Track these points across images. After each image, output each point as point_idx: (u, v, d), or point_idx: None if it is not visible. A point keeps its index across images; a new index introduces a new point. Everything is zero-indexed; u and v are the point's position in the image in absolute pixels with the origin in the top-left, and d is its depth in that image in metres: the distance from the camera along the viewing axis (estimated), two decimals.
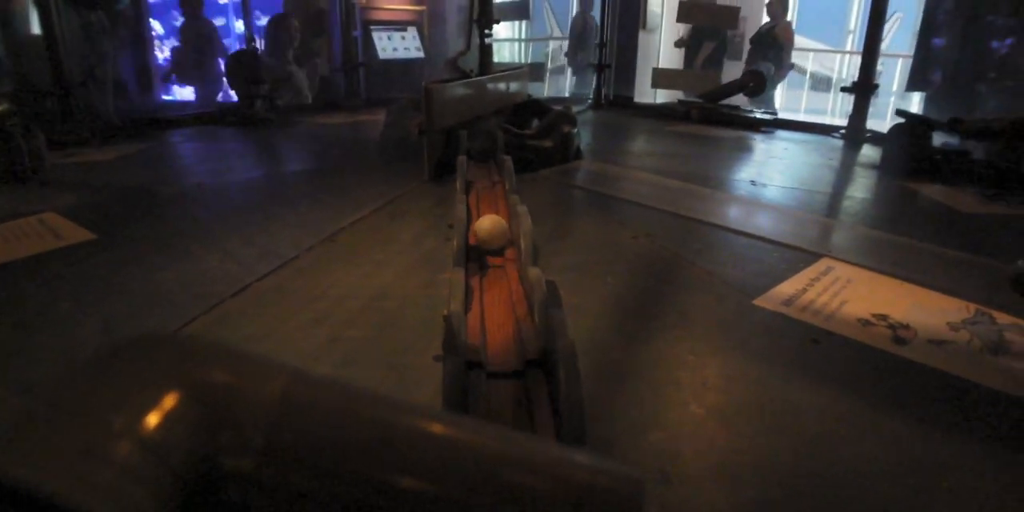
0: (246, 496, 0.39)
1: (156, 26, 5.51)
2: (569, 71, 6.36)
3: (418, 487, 0.41)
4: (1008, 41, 3.40)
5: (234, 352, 0.41)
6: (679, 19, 4.32)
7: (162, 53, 5.47)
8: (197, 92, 4.87)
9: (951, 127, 2.61)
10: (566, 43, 6.09)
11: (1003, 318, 1.38)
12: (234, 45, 5.80)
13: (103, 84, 3.65)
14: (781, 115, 3.94)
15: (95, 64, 3.58)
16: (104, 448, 0.31)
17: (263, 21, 5.22)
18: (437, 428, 0.43)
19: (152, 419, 0.34)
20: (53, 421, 0.32)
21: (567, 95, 5.53)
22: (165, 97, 5.10)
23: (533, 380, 0.85)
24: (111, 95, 3.77)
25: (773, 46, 4.65)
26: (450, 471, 0.41)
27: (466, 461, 0.42)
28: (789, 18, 5.09)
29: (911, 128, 2.71)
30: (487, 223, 1.32)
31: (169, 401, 0.36)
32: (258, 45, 4.10)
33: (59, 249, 1.71)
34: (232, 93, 4.34)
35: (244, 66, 3.98)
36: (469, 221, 1.44)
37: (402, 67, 5.51)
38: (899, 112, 2.88)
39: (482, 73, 2.62)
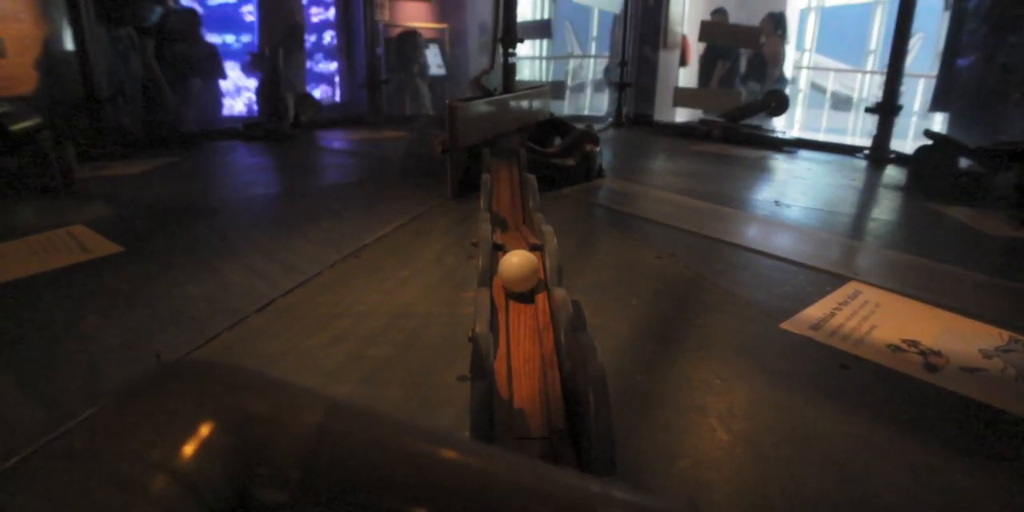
0: None
1: None
2: (589, 89, 6.39)
3: None
4: None
5: (269, 380, 0.41)
6: (701, 38, 4.32)
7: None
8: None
9: (978, 155, 2.58)
10: (589, 61, 6.12)
11: None
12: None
13: (132, 99, 3.72)
14: (801, 135, 3.92)
15: (123, 80, 3.64)
16: (140, 482, 0.31)
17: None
18: (471, 460, 0.43)
19: (187, 451, 0.34)
20: (88, 454, 0.32)
21: (586, 113, 5.55)
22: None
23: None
24: (142, 110, 3.83)
25: (761, 63, 4.66)
26: (484, 506, 0.41)
27: (502, 497, 0.41)
28: (782, 34, 5.06)
29: (938, 149, 2.68)
30: (515, 259, 1.14)
31: (204, 431, 0.35)
32: (280, 63, 4.16)
33: (87, 262, 1.73)
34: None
35: (270, 88, 4.05)
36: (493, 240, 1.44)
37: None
38: (927, 132, 2.86)
39: (505, 91, 2.63)
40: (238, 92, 5.62)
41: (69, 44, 3.34)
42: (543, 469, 0.46)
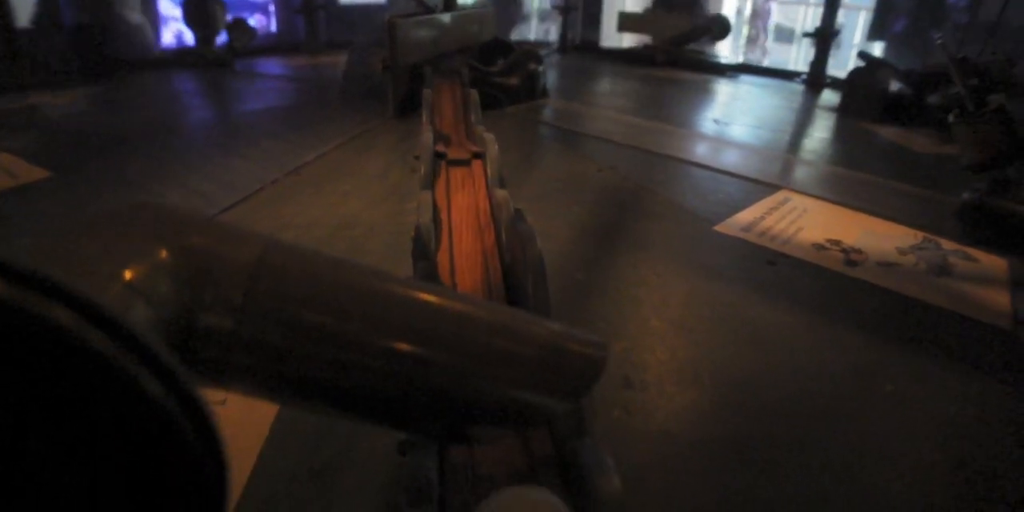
0: (225, 354, 0.40)
1: None
2: (535, 18, 6.24)
3: (393, 346, 0.43)
4: None
5: (212, 220, 0.42)
6: None
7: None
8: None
9: (908, 77, 2.66)
10: None
11: (948, 244, 1.45)
12: None
13: (59, 28, 3.49)
14: (742, 61, 3.94)
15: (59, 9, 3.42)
16: (93, 288, 0.32)
17: None
18: (416, 292, 0.45)
19: (138, 268, 0.35)
20: (53, 266, 0.33)
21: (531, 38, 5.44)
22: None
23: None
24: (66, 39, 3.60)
25: None
26: (424, 330, 0.44)
27: (439, 321, 0.44)
28: None
29: (871, 72, 2.74)
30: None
31: (152, 255, 0.37)
32: None
33: (15, 188, 1.67)
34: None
35: (198, 9, 3.83)
36: (435, 148, 1.43)
37: (362, 11, 5.35)
38: (861, 54, 2.92)
39: (447, 10, 2.57)
40: (164, 22, 5.31)
41: None
42: (483, 301, 0.49)
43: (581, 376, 0.47)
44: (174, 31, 5.42)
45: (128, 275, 0.35)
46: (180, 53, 3.83)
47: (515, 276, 0.89)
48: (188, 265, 0.39)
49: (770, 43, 5.90)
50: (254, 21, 5.59)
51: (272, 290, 0.41)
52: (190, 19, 3.95)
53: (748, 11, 5.88)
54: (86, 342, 0.20)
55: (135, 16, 3.95)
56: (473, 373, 0.45)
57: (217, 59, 3.72)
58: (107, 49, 3.70)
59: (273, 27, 5.58)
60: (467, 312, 0.46)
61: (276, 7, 5.53)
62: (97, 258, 0.35)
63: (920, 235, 1.49)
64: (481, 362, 0.45)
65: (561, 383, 0.47)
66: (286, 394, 0.44)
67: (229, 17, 4.10)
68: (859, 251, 1.39)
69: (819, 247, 1.39)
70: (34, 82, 3.07)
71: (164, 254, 0.38)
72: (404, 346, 0.44)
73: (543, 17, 5.78)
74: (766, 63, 4.46)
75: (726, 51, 4.38)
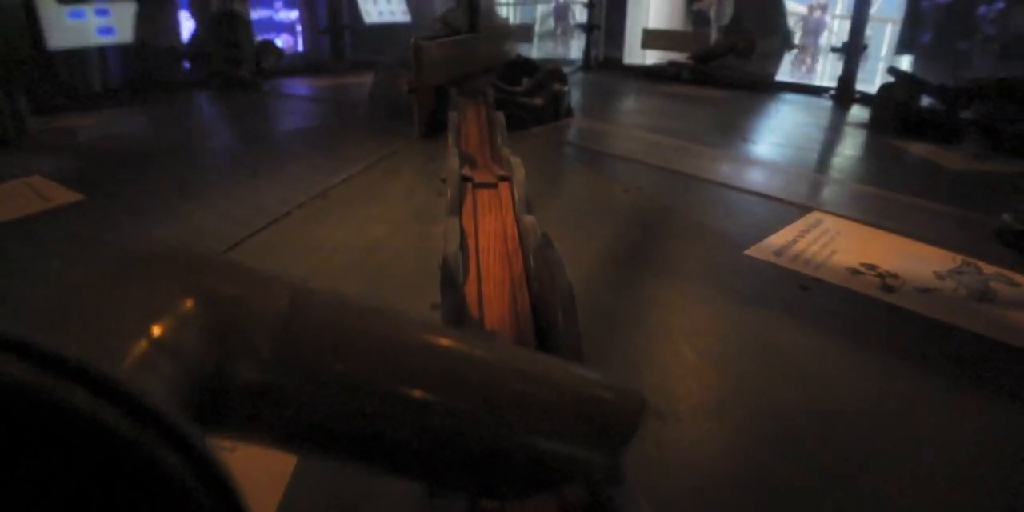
0: (253, 407, 0.39)
1: None
2: (559, 34, 6.28)
3: (424, 396, 0.41)
4: (997, 4, 3.39)
5: (241, 266, 0.41)
6: None
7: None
8: None
9: (939, 93, 2.61)
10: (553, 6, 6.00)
11: (988, 268, 1.41)
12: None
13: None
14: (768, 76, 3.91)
15: None
16: (116, 343, 0.32)
17: None
18: (445, 340, 0.44)
19: (165, 322, 0.34)
20: (57, 320, 0.32)
21: (556, 58, 5.46)
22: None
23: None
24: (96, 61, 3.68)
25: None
26: (456, 380, 0.42)
27: (472, 371, 0.43)
28: None
29: (901, 87, 2.70)
30: None
31: (180, 307, 0.36)
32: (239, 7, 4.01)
33: (47, 211, 1.69)
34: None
35: (224, 29, 3.89)
36: (462, 171, 1.43)
37: (387, 31, 5.40)
38: (891, 70, 2.88)
39: (471, 31, 2.58)
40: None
41: None
42: (515, 348, 0.47)
43: (619, 428, 0.46)
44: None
45: (154, 330, 0.34)
46: (209, 74, 3.89)
47: (544, 305, 0.88)
48: (215, 316, 0.38)
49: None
50: (281, 41, 5.69)
51: (302, 340, 0.40)
52: (214, 41, 4.01)
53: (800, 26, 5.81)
54: (102, 423, 0.20)
55: (164, 38, 4.03)
56: (504, 425, 0.43)
57: (245, 80, 3.78)
58: (138, 70, 3.77)
59: (300, 47, 5.67)
60: (498, 361, 0.45)
61: (303, 27, 5.62)
62: (120, 313, 0.34)
63: (959, 258, 1.45)
64: (513, 414, 0.44)
65: (597, 435, 0.45)
66: (312, 446, 0.43)
67: (258, 38, 4.16)
68: (895, 276, 1.35)
69: (854, 271, 1.36)
70: (68, 103, 3.14)
71: (190, 305, 0.37)
72: (435, 397, 0.42)
73: (562, 34, 5.80)
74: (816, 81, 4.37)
75: (778, 67, 4.27)
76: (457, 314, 0.76)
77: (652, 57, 4.63)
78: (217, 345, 0.37)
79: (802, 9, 5.94)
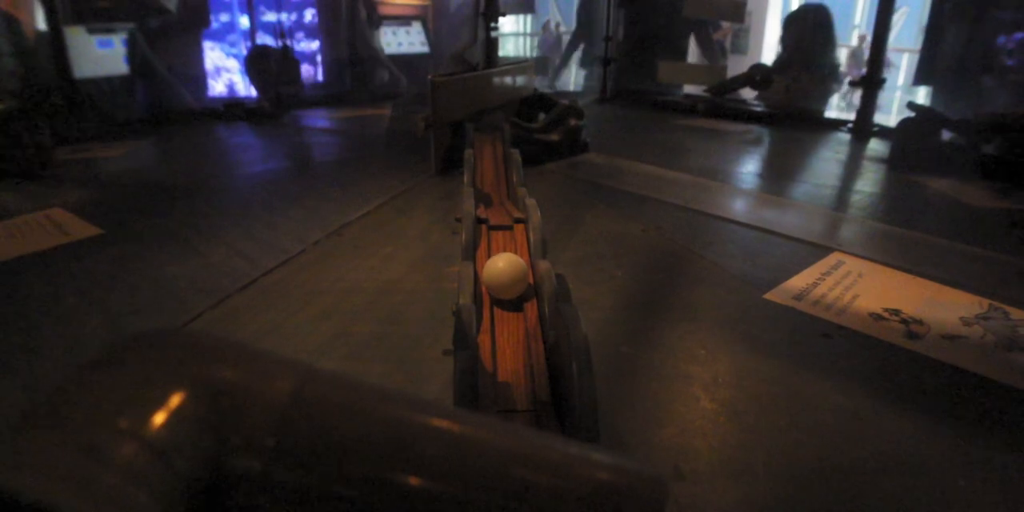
0: (255, 499, 0.38)
1: None
2: (575, 65, 6.33)
3: (432, 487, 0.39)
4: (1016, 36, 3.37)
5: (243, 349, 0.40)
6: (686, 12, 4.28)
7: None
8: None
9: (960, 127, 2.59)
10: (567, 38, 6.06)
11: (1017, 313, 1.37)
12: (238, 41, 5.78)
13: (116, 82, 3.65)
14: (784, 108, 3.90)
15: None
16: (107, 449, 0.30)
17: (268, 16, 5.19)
18: (451, 426, 0.42)
19: (157, 419, 0.33)
20: (53, 421, 0.31)
21: (571, 88, 5.50)
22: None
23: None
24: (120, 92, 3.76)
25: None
26: (465, 470, 0.40)
27: (481, 459, 0.41)
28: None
29: (921, 121, 2.68)
30: (501, 264, 1.02)
31: (175, 400, 0.34)
32: (289, 42, 4.09)
33: (65, 245, 1.71)
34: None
35: (272, 63, 3.98)
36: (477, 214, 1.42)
37: (407, 62, 5.48)
38: (910, 105, 2.86)
39: (488, 66, 2.60)
40: (218, 73, 5.52)
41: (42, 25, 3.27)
42: (526, 433, 0.45)
43: None
44: (226, 81, 5.64)
45: (146, 430, 0.33)
46: (227, 106, 3.95)
47: (559, 360, 0.86)
48: (215, 407, 0.37)
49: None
50: (302, 72, 5.76)
51: (308, 429, 0.39)
52: (254, 73, 4.09)
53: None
54: None
55: (186, 68, 4.11)
56: None
57: (264, 112, 3.83)
58: (162, 101, 3.84)
59: (320, 77, 5.77)
60: (512, 447, 0.42)
61: (323, 57, 5.72)
62: (112, 411, 0.33)
63: (986, 303, 1.41)
64: (521, 502, 0.41)
65: None
66: None
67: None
68: (920, 322, 1.32)
69: (877, 317, 1.33)
70: (92, 134, 3.19)
71: (187, 397, 0.36)
72: (446, 487, 0.40)
73: (581, 65, 5.85)
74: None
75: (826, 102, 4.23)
76: (469, 374, 0.74)
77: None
78: (214, 436, 0.36)
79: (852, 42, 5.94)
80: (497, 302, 1.05)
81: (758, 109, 3.80)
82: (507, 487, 0.40)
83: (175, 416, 0.34)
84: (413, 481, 0.39)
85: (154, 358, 0.37)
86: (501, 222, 1.33)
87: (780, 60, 4.08)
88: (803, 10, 4.22)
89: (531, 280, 1.08)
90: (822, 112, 3.78)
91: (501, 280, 1.02)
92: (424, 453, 0.40)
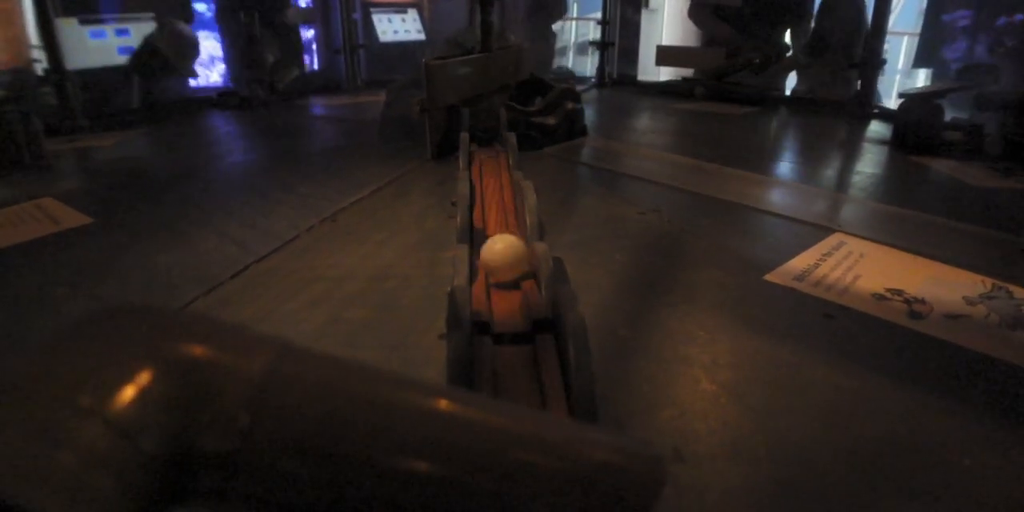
0: (226, 481, 0.36)
1: None
2: (571, 52, 6.29)
3: (418, 467, 0.37)
4: (1018, 16, 3.34)
5: (218, 324, 0.38)
6: None
7: None
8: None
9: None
10: (571, 23, 6.00)
11: (1021, 292, 1.35)
12: None
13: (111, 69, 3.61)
14: (784, 91, 3.87)
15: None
16: (66, 428, 0.28)
17: None
18: (439, 404, 0.40)
19: (122, 396, 0.31)
20: (8, 399, 0.29)
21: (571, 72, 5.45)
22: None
23: (542, 346, 0.82)
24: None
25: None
26: (453, 450, 0.38)
27: (470, 439, 0.39)
28: None
29: (922, 102, 2.65)
30: (500, 246, 0.99)
31: (142, 377, 0.32)
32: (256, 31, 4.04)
33: (56, 234, 1.69)
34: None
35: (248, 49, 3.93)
36: (472, 198, 1.41)
37: (402, 50, 5.43)
38: (901, 95, 2.83)
39: (484, 50, 2.56)
40: (212, 62, 5.48)
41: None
42: (516, 410, 0.43)
43: (635, 499, 0.41)
44: (221, 71, 5.59)
45: (110, 408, 0.31)
46: (221, 94, 3.92)
47: (557, 341, 0.84)
48: (184, 384, 0.35)
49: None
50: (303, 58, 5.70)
51: (284, 407, 0.37)
52: (236, 61, 4.05)
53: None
54: None
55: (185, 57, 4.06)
56: (506, 497, 0.39)
57: (258, 100, 3.80)
58: (154, 90, 3.80)
59: (316, 65, 5.71)
60: (505, 427, 0.40)
61: (317, 45, 5.66)
62: (74, 387, 0.31)
63: (989, 282, 1.39)
64: (517, 487, 0.39)
65: (610, 507, 0.41)
66: None
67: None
68: (923, 301, 1.30)
69: (879, 297, 1.31)
70: (84, 124, 3.15)
71: (155, 373, 0.34)
72: (429, 468, 0.38)
73: (579, 51, 5.80)
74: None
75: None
76: (462, 355, 0.72)
77: (666, 73, 4.61)
78: (184, 415, 0.34)
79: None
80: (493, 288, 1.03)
81: (757, 91, 3.77)
82: (499, 468, 0.38)
83: (141, 394, 0.32)
84: (398, 462, 0.37)
85: (121, 333, 0.35)
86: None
87: (815, 45, 4.00)
88: None
89: (531, 263, 1.02)
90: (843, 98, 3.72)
91: (499, 262, 0.99)
92: (410, 433, 0.38)
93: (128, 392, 0.32)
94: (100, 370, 0.32)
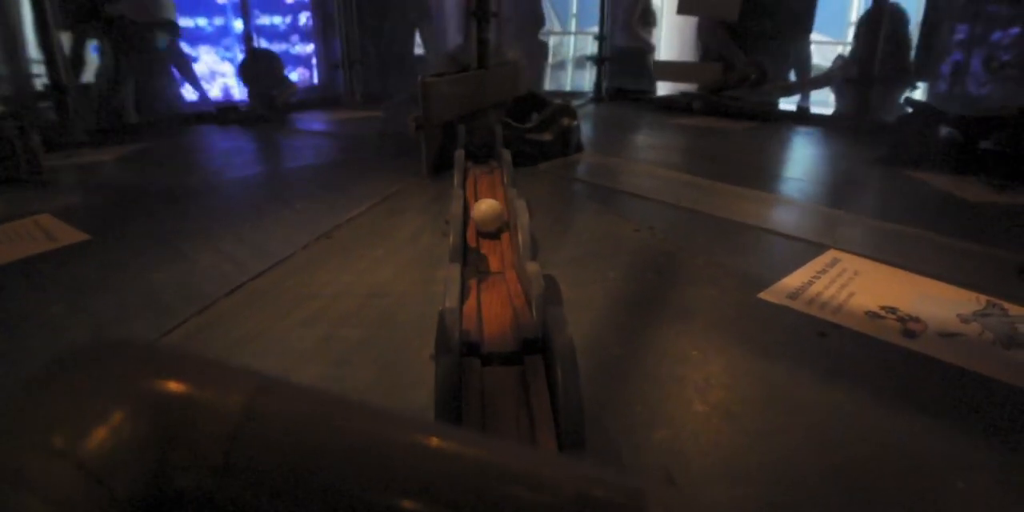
0: None
1: None
2: (570, 67, 6.31)
3: (399, 503, 0.37)
4: (1012, 31, 3.36)
5: (196, 359, 0.38)
6: (679, 11, 4.26)
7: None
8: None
9: (958, 123, 2.57)
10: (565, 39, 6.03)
11: (1015, 310, 1.35)
12: (233, 44, 5.78)
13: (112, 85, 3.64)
14: (780, 106, 3.89)
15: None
16: (37, 474, 0.28)
17: (262, 20, 5.18)
18: (421, 439, 0.40)
19: (96, 437, 0.31)
20: None
21: (568, 89, 5.48)
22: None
23: (531, 368, 0.82)
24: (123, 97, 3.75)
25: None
26: (435, 485, 0.38)
27: (453, 473, 0.39)
28: None
29: (919, 118, 2.66)
30: (483, 206, 1.48)
31: (117, 416, 0.32)
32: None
33: (52, 251, 1.69)
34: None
35: (263, 66, 3.97)
36: (466, 217, 1.42)
37: (400, 63, 5.46)
38: (908, 101, 2.84)
39: (480, 67, 2.58)
40: (212, 77, 5.51)
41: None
42: (497, 444, 0.43)
43: None
44: (221, 85, 5.62)
45: (82, 450, 0.30)
46: (221, 109, 3.94)
47: (547, 362, 0.84)
48: (160, 423, 0.34)
49: None
50: (296, 75, 5.77)
51: (261, 444, 0.36)
52: (246, 77, 4.08)
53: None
54: None
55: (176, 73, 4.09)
56: None
57: (257, 115, 3.82)
58: (154, 105, 3.82)
59: (315, 80, 5.75)
60: (481, 458, 0.40)
61: (317, 60, 5.70)
62: (49, 428, 0.31)
63: (983, 299, 1.39)
64: None
65: None
66: None
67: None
68: (917, 319, 1.30)
69: (873, 315, 1.31)
70: (84, 139, 3.17)
71: (129, 412, 0.34)
72: (411, 503, 0.38)
73: (577, 66, 5.83)
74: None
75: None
76: (450, 379, 0.72)
77: (663, 88, 4.63)
78: (158, 455, 0.34)
79: None
80: (485, 307, 1.03)
81: (753, 107, 3.78)
82: (481, 503, 0.38)
83: (116, 434, 0.32)
84: (378, 498, 0.37)
85: (98, 371, 0.35)
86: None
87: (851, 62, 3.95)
88: (879, 10, 3.78)
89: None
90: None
91: (483, 218, 1.48)
92: (391, 468, 0.38)
93: (102, 432, 0.32)
94: (76, 410, 0.32)
